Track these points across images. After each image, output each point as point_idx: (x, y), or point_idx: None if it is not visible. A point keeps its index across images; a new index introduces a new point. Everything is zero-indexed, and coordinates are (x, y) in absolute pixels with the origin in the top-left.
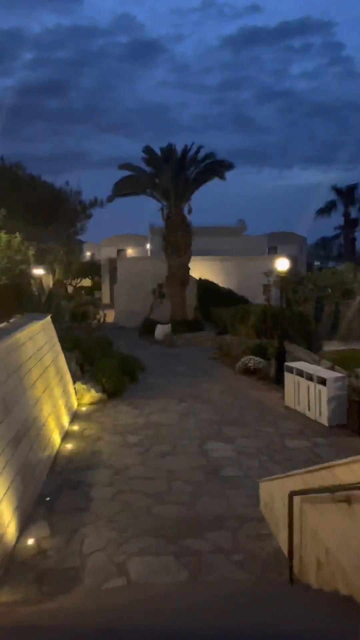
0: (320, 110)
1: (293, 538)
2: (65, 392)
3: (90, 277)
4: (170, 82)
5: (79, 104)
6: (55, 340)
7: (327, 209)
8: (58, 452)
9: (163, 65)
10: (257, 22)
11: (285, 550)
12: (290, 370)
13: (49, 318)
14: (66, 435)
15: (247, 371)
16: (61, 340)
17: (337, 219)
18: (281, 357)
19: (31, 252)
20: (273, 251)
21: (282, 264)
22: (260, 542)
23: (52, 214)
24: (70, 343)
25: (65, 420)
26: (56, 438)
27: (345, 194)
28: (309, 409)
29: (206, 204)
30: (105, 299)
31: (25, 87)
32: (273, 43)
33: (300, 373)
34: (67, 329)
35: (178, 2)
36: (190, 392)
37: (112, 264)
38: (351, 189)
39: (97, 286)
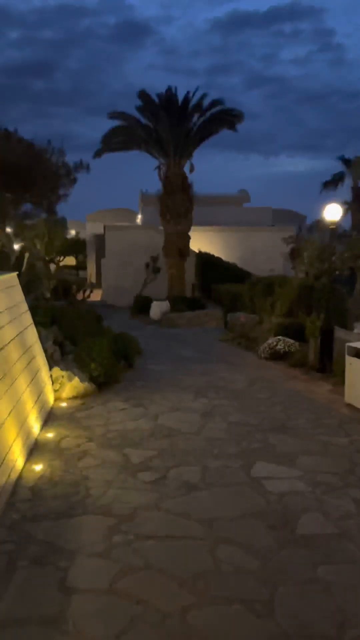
0: (309, 97)
1: None
2: (35, 383)
3: (75, 255)
4: (158, 65)
5: (64, 86)
6: (23, 307)
7: (333, 182)
8: (19, 479)
9: (151, 47)
10: (247, 6)
11: None
12: (355, 353)
13: (14, 275)
14: (35, 449)
15: (275, 356)
16: (34, 311)
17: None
18: (328, 338)
19: None
20: None
21: (332, 212)
22: None
23: (30, 175)
24: (46, 315)
25: (35, 424)
26: (17, 456)
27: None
28: None
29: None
30: (92, 278)
31: (9, 66)
32: (263, 27)
33: None
34: (44, 300)
35: None
36: (207, 383)
37: (99, 240)
38: None
39: (82, 265)
